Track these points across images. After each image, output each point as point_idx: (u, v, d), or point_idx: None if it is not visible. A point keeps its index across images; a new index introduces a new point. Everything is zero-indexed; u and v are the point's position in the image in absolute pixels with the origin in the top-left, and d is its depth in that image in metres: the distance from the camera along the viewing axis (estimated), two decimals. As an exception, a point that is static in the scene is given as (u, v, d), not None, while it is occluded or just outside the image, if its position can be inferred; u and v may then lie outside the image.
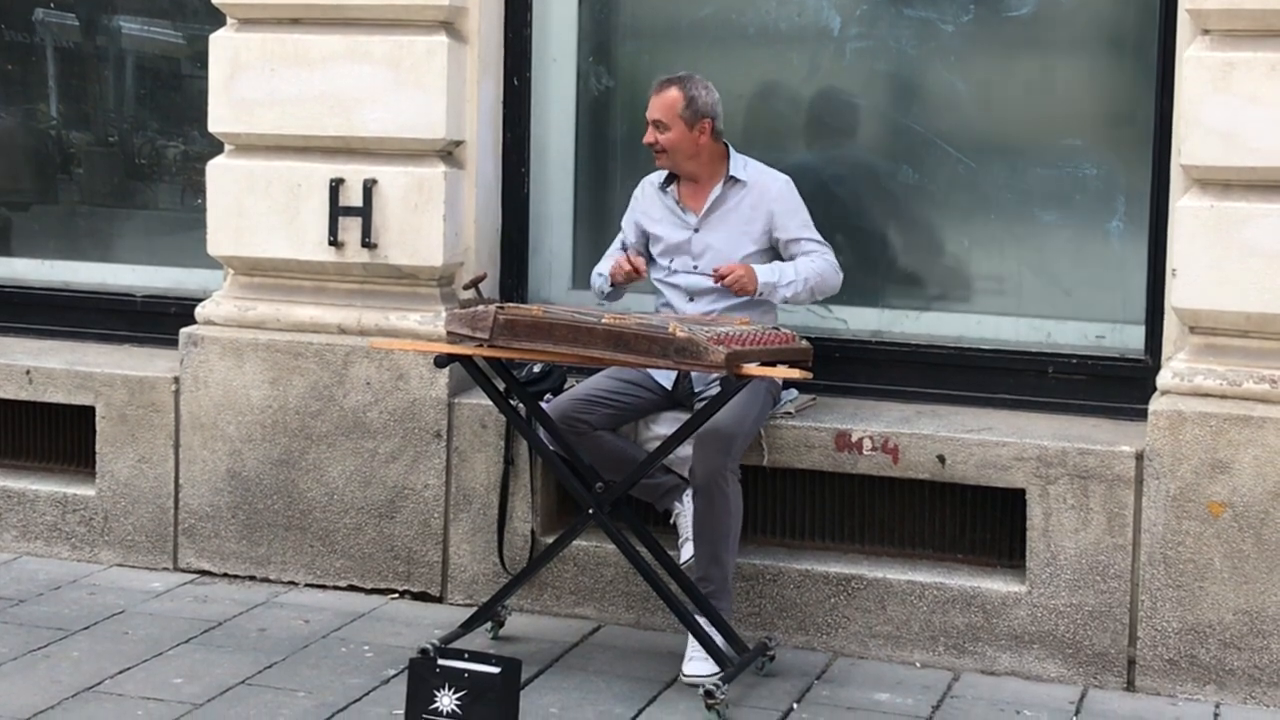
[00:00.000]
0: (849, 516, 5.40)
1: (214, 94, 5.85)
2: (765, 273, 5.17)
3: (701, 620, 4.87)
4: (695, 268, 5.28)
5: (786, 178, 5.33)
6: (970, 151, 5.56)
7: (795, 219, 5.28)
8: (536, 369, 5.26)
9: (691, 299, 5.28)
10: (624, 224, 5.48)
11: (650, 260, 5.39)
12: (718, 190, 5.29)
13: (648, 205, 5.41)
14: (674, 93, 5.20)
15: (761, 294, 5.16)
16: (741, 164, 5.31)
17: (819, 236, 5.29)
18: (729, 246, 5.26)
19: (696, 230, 5.30)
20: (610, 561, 5.40)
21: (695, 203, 5.32)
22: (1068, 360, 5.37)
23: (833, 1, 5.65)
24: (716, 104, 5.24)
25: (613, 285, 5.32)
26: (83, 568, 5.94)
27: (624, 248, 5.42)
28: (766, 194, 5.28)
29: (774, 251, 5.31)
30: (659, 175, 5.39)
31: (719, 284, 5.15)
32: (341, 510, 5.71)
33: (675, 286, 5.32)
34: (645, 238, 5.41)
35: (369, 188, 5.65)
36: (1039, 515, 5.04)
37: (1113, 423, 5.23)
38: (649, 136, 5.23)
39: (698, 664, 4.89)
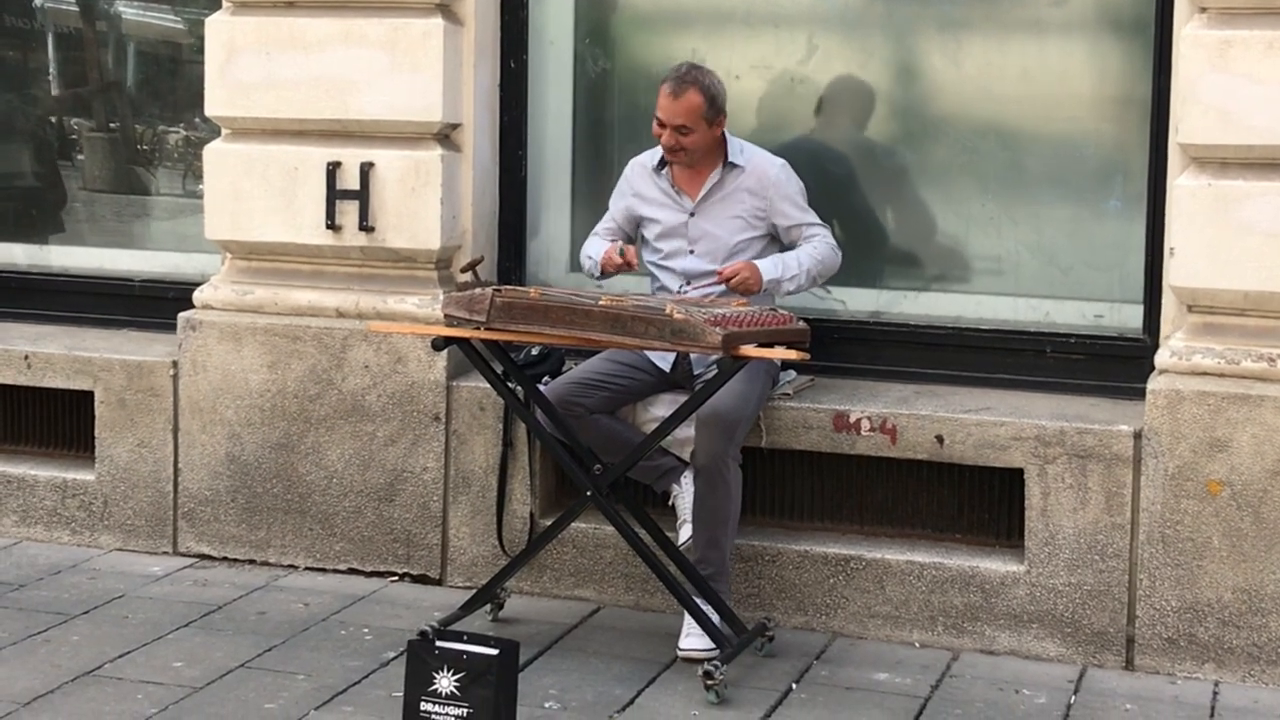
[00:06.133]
0: (847, 497, 5.40)
1: (210, 78, 5.84)
2: (768, 269, 5.15)
3: (700, 601, 4.88)
4: (691, 252, 5.27)
5: (783, 162, 5.31)
6: (968, 131, 5.55)
7: (794, 205, 5.26)
8: (534, 351, 5.25)
9: (688, 283, 5.27)
10: (612, 204, 5.46)
11: (644, 243, 5.38)
12: (716, 175, 5.27)
13: (641, 187, 5.38)
14: (695, 96, 5.10)
15: (767, 290, 5.15)
16: (739, 148, 5.28)
17: (817, 219, 5.29)
18: (726, 231, 5.25)
19: (693, 214, 5.28)
20: (609, 543, 5.40)
21: (691, 187, 5.29)
22: (1066, 340, 5.37)
23: (829, -18, 5.66)
24: (725, 93, 5.21)
25: (603, 274, 5.29)
26: (82, 552, 5.95)
27: (623, 237, 5.40)
28: (764, 179, 5.25)
29: (771, 236, 5.30)
30: (650, 156, 5.36)
31: (723, 284, 5.13)
32: (341, 493, 5.72)
33: (670, 270, 5.31)
34: (636, 220, 5.40)
35: (366, 171, 5.65)
36: (1037, 495, 5.04)
37: (1111, 402, 5.22)
38: (669, 140, 5.14)
39: (694, 639, 4.89)
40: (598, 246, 5.35)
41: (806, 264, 5.20)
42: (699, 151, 5.20)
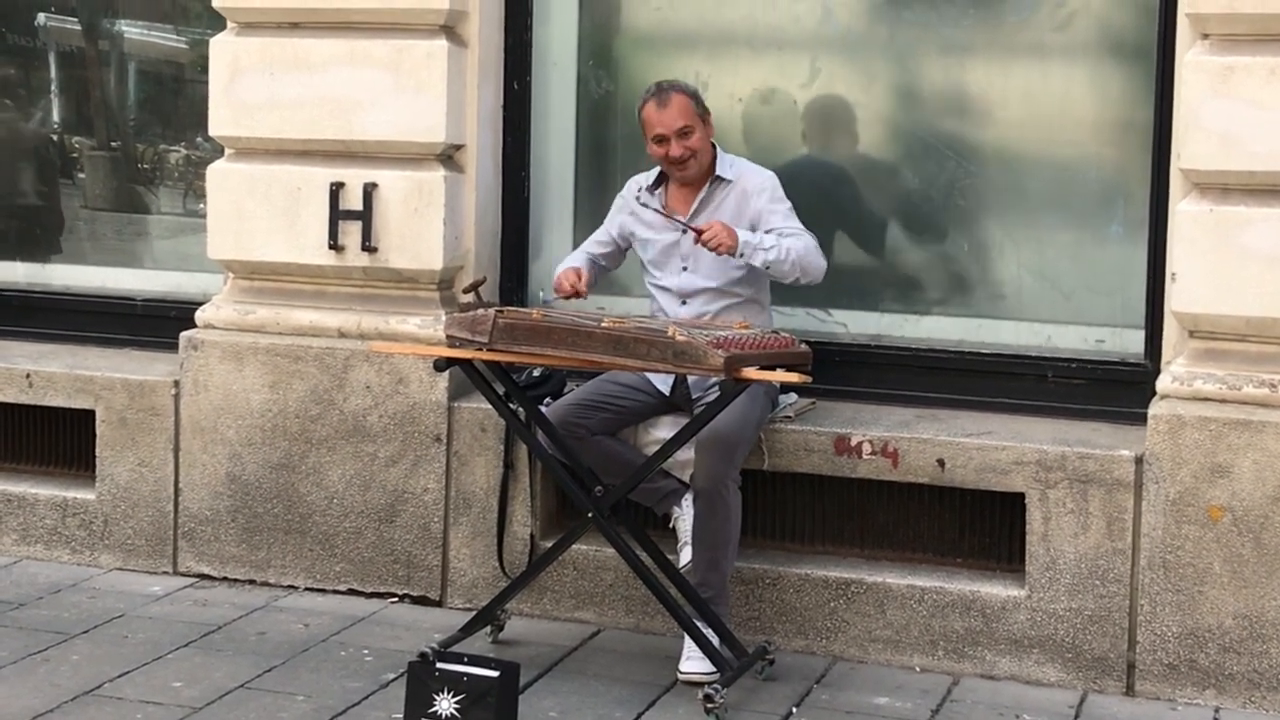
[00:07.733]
0: (848, 520, 5.40)
1: (214, 98, 5.85)
2: (746, 234, 5.07)
3: (700, 624, 4.87)
4: (685, 269, 5.26)
5: (771, 174, 5.28)
6: (970, 155, 5.56)
7: (777, 212, 5.21)
8: (536, 373, 5.25)
9: (684, 302, 5.26)
10: (608, 219, 5.44)
11: (641, 265, 5.39)
12: (704, 190, 5.26)
13: (637, 206, 5.37)
14: (681, 97, 5.17)
15: (742, 254, 5.04)
16: (728, 163, 5.27)
17: (803, 226, 5.20)
18: None
19: (684, 231, 5.28)
20: (610, 565, 5.40)
21: (682, 205, 5.28)
22: (1067, 364, 5.37)
23: (832, 6, 5.65)
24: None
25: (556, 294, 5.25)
26: (83, 571, 5.94)
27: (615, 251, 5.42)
28: (750, 188, 5.23)
29: None
30: (646, 177, 5.36)
31: (698, 244, 5.04)
32: (341, 514, 5.71)
33: (666, 290, 5.30)
34: (629, 238, 5.39)
35: (369, 191, 5.65)
36: (1038, 519, 5.04)
37: (1112, 427, 5.22)
38: (677, 150, 5.14)
39: (695, 662, 4.89)
40: (571, 261, 5.35)
41: (787, 243, 5.09)
42: (704, 153, 5.20)
